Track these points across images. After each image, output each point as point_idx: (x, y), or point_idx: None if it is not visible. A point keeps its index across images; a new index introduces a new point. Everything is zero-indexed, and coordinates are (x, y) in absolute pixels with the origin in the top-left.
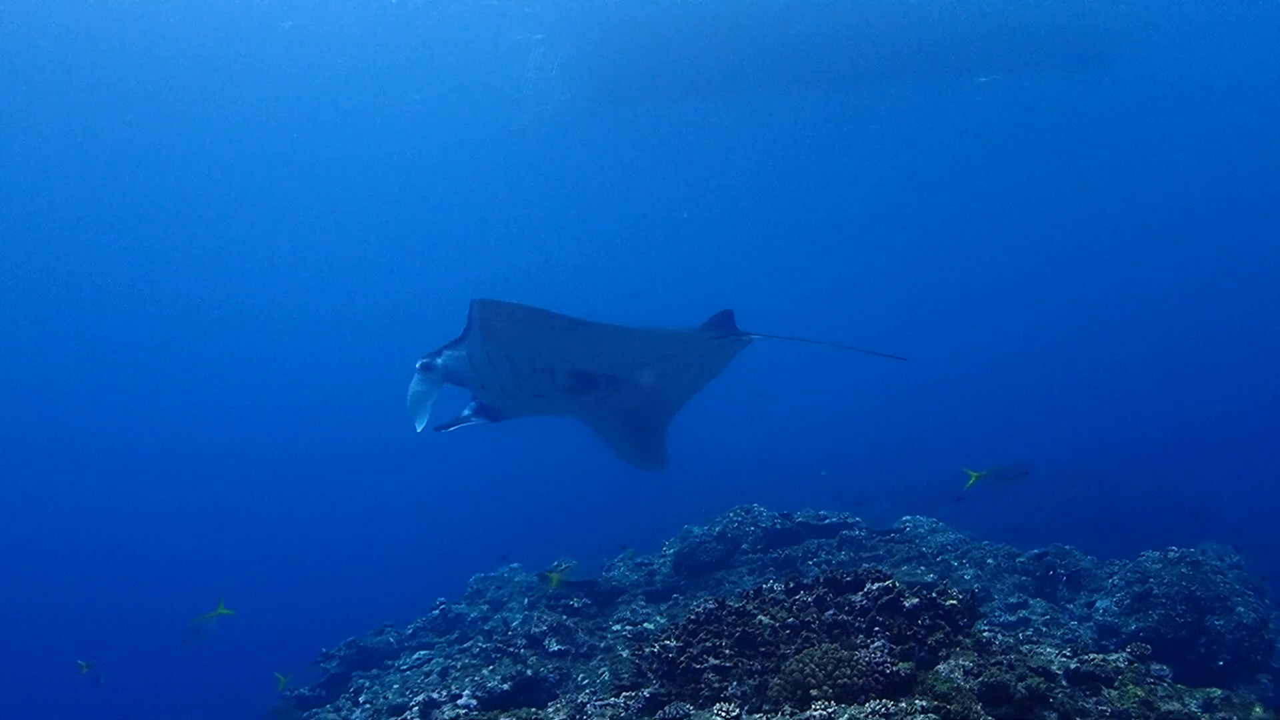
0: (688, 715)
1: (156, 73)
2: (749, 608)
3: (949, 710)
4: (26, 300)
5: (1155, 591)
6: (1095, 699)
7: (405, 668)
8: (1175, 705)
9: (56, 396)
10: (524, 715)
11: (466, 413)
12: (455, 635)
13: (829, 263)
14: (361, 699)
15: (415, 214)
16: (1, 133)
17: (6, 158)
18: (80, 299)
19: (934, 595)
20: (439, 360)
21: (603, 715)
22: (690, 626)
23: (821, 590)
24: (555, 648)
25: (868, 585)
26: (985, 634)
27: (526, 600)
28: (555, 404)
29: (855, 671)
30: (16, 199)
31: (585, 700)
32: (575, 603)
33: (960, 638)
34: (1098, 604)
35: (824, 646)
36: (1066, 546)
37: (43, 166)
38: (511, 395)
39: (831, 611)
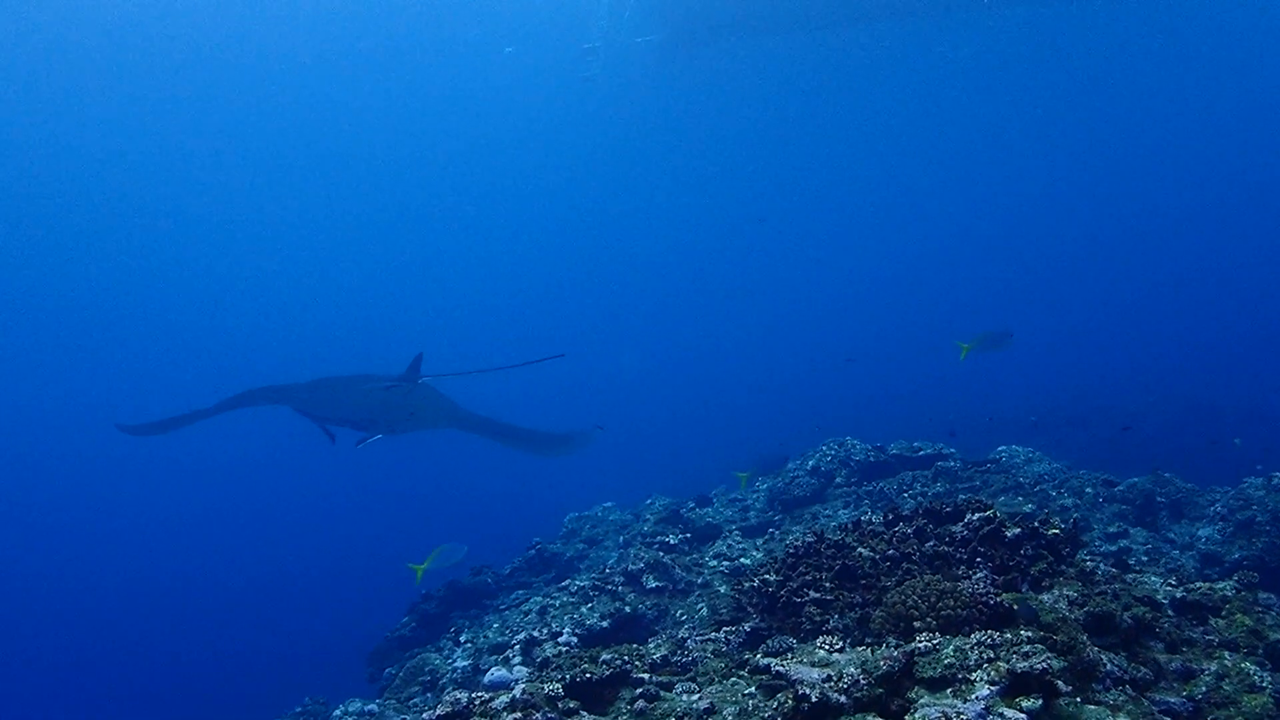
0: (791, 649)
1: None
2: (848, 540)
3: (1055, 640)
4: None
5: (1259, 519)
6: (1202, 628)
7: (504, 607)
8: None
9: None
10: (625, 651)
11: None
12: (551, 574)
13: (907, 191)
14: (463, 639)
15: (484, 171)
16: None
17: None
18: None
19: (1035, 525)
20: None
21: (704, 650)
22: (789, 560)
23: (921, 521)
24: (653, 584)
25: (968, 515)
26: (1088, 564)
27: (622, 538)
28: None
29: (959, 603)
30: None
31: (686, 636)
32: (671, 539)
33: (1063, 567)
34: (1199, 533)
35: (926, 578)
36: (1166, 474)
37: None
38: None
39: (932, 543)
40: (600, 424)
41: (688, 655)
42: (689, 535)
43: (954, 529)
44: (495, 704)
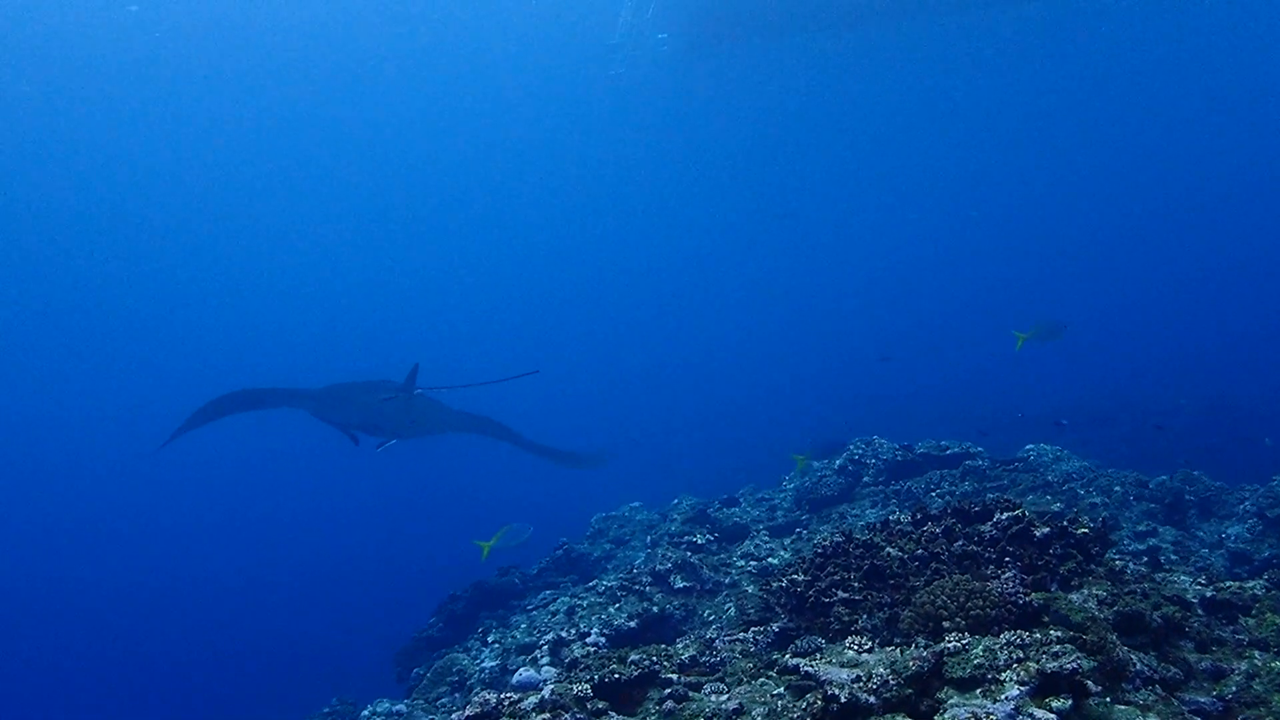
0: (820, 649)
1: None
2: (876, 540)
3: (1084, 640)
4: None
5: None
6: (1232, 627)
7: (531, 608)
8: None
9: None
10: (654, 652)
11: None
12: (578, 575)
13: (932, 189)
14: (490, 639)
15: (508, 168)
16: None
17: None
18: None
19: (1064, 524)
20: None
21: (732, 650)
22: (817, 560)
23: (950, 521)
24: (680, 584)
25: (997, 515)
26: (1117, 563)
27: (649, 538)
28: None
29: (988, 602)
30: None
31: (714, 636)
32: (699, 539)
33: (1093, 567)
34: (1229, 531)
35: (954, 578)
36: (1195, 472)
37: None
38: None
39: (960, 542)
40: (638, 434)
41: (716, 656)
42: (716, 535)
43: (982, 528)
44: (524, 704)
